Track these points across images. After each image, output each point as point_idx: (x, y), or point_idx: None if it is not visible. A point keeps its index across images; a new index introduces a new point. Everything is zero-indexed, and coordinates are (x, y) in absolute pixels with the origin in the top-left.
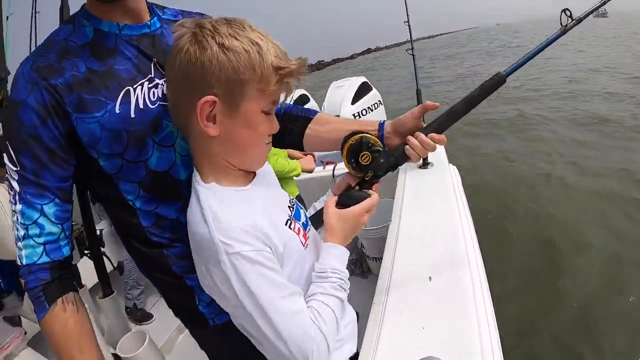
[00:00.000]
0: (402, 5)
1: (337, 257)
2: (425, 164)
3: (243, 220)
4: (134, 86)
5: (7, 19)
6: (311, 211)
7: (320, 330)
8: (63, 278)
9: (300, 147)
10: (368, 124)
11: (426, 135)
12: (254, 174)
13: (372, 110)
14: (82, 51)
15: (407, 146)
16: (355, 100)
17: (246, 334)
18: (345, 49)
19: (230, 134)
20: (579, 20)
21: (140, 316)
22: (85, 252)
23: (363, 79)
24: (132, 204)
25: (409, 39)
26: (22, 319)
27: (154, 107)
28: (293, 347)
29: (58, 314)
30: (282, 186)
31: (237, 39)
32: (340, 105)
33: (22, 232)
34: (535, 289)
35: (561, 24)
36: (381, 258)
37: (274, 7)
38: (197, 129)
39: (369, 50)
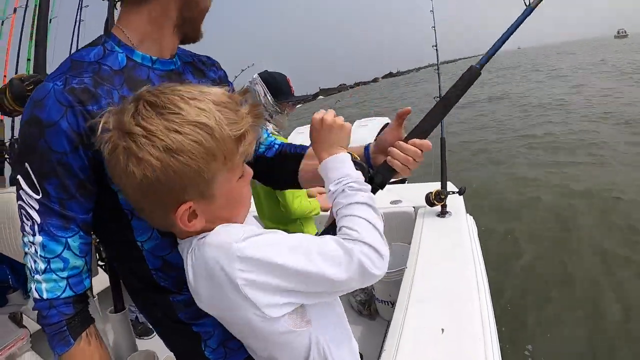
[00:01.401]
0: (421, 31)
1: (331, 169)
2: (443, 213)
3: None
4: None
5: (50, 21)
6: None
7: (354, 239)
8: (84, 310)
9: (297, 185)
10: (354, 149)
11: (407, 142)
12: None
13: None
14: (115, 78)
15: (388, 157)
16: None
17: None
18: (367, 72)
19: (215, 215)
20: None
21: (142, 330)
22: (100, 264)
23: (387, 119)
24: (141, 246)
25: (438, 84)
26: (24, 317)
27: None
28: (347, 269)
29: (84, 348)
30: (302, 226)
31: (179, 132)
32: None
33: (42, 266)
34: None
35: (525, 4)
36: (390, 302)
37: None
38: (181, 227)
39: (391, 74)
